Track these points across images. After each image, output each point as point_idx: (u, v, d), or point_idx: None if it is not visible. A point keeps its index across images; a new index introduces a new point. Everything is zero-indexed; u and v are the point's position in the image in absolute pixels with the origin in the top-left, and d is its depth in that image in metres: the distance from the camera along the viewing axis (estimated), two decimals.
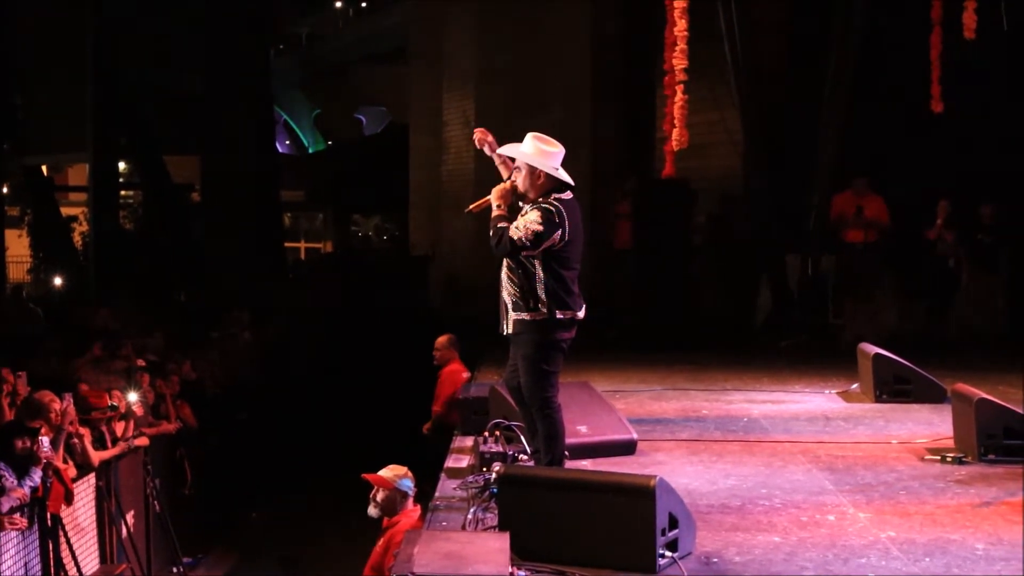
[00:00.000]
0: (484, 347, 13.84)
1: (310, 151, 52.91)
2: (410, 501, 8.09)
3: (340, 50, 53.21)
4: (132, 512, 12.01)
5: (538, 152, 7.38)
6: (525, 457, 7.85)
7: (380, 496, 8.04)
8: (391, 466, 8.15)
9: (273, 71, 32.55)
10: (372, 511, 8.10)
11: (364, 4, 57.78)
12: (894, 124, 16.61)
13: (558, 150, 7.40)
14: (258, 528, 16.31)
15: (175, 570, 13.06)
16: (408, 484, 8.07)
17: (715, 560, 6.44)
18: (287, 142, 52.94)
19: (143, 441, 12.24)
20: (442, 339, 12.72)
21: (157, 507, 12.63)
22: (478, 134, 7.81)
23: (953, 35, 14.02)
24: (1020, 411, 8.83)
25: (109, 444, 11.44)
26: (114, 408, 11.43)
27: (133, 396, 11.99)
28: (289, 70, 52.00)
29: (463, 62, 26.95)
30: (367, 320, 24.61)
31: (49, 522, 9.48)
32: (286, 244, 35.88)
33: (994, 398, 8.91)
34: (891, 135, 16.71)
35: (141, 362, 14.08)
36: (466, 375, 12.40)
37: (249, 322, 19.76)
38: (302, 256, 42.78)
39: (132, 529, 11.85)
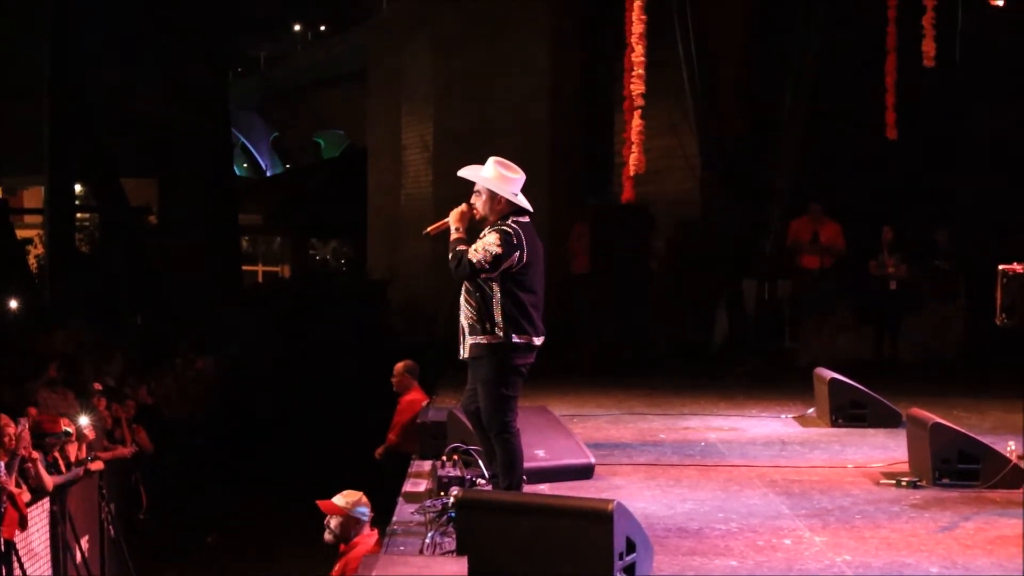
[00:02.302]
0: (442, 371, 13.81)
1: (268, 174, 52.76)
2: (366, 526, 8.07)
3: (299, 73, 53.16)
4: (87, 537, 11.93)
5: (499, 177, 7.39)
6: (483, 481, 7.84)
7: (334, 523, 8.03)
8: (346, 492, 8.14)
9: (231, 94, 32.45)
10: (327, 537, 8.09)
11: (323, 28, 57.83)
12: (850, 151, 16.76)
13: (519, 176, 7.42)
14: (214, 552, 16.20)
15: None
16: (363, 511, 8.06)
17: None
18: (245, 165, 52.76)
19: (98, 465, 12.15)
20: (399, 365, 12.47)
21: (112, 532, 12.55)
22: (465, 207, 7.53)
23: (909, 63, 14.16)
24: (974, 436, 8.91)
25: (63, 468, 11.36)
26: (67, 434, 11.34)
27: (84, 420, 11.90)
28: (247, 93, 51.89)
29: (422, 86, 26.98)
30: (325, 344, 24.53)
31: (3, 547, 9.40)
32: (244, 267, 35.72)
33: (949, 423, 8.97)
34: (847, 162, 16.85)
35: (98, 385, 13.99)
36: (425, 403, 12.15)
37: (205, 347, 19.65)
38: (260, 279, 42.57)
39: (87, 554, 11.76)
